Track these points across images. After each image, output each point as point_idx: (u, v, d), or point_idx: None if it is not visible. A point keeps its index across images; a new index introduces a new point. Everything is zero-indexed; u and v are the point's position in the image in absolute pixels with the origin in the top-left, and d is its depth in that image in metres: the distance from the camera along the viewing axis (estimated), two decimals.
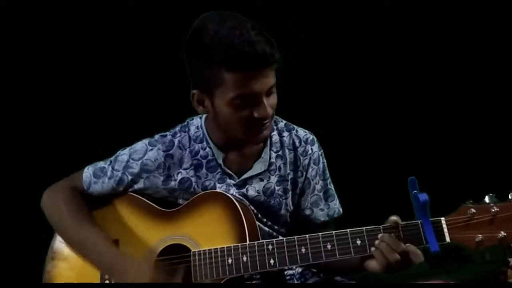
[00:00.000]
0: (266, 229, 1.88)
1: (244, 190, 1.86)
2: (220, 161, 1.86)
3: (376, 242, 1.61)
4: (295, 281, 1.93)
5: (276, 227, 1.91)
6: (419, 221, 1.58)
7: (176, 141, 1.89)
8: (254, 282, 1.83)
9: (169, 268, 1.77)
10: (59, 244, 1.90)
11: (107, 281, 1.80)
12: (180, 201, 1.88)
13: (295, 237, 1.68)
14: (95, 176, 1.89)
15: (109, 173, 1.88)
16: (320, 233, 1.67)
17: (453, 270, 2.07)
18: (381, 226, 1.63)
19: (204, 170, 1.87)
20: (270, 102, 1.72)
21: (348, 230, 1.65)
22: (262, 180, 1.88)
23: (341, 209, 1.96)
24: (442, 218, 1.58)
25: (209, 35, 1.66)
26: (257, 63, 1.64)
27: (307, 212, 1.94)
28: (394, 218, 1.60)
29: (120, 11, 3.03)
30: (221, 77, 1.66)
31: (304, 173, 1.92)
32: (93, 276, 1.81)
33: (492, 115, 3.21)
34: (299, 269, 1.96)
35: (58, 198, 1.87)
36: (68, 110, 3.09)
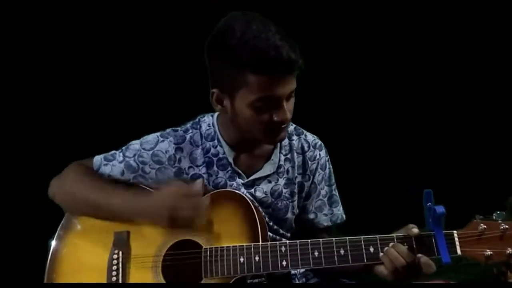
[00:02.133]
0: (271, 234, 1.89)
1: (252, 191, 1.88)
2: (231, 160, 1.87)
3: (385, 249, 1.64)
4: (297, 281, 1.96)
5: (281, 231, 1.93)
6: (432, 233, 1.63)
7: (187, 136, 1.89)
8: (257, 280, 1.84)
9: (178, 263, 1.75)
10: (64, 231, 1.86)
11: (114, 261, 1.78)
12: None
13: (309, 240, 1.70)
14: (105, 160, 1.89)
15: (120, 158, 1.87)
16: (333, 238, 1.69)
17: (453, 270, 2.12)
18: (394, 235, 1.67)
19: (215, 168, 1.87)
20: (289, 106, 1.74)
21: (361, 237, 1.68)
22: (270, 182, 1.90)
23: (344, 216, 2.00)
24: (455, 232, 1.63)
25: (235, 37, 1.66)
26: (282, 68, 1.66)
27: (311, 216, 1.97)
28: (415, 230, 1.64)
29: (132, 7, 3.00)
30: (245, 79, 1.67)
31: (311, 177, 1.95)
32: (101, 257, 1.79)
33: (503, 127, 3.26)
34: (301, 269, 1.98)
35: (69, 173, 1.86)
36: (71, 109, 3.04)
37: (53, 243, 1.85)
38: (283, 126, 1.75)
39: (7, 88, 3.00)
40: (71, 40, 3.03)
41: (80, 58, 3.04)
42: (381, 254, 1.64)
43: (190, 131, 1.90)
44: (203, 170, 1.87)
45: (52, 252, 1.84)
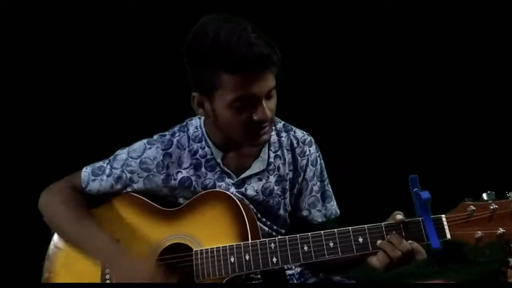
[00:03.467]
0: (266, 228, 1.89)
1: (243, 190, 1.87)
2: (219, 160, 1.87)
3: (379, 242, 1.62)
4: (295, 281, 1.94)
5: (275, 227, 1.92)
6: (420, 219, 1.61)
7: (175, 140, 1.90)
8: (254, 282, 1.83)
9: (170, 267, 1.76)
10: (57, 244, 1.89)
11: (108, 280, 1.79)
12: (181, 200, 1.89)
13: (297, 235, 1.70)
14: (93, 174, 1.89)
15: (107, 171, 1.88)
16: (322, 231, 1.68)
17: (453, 270, 2.09)
18: (382, 224, 1.65)
19: (203, 169, 1.88)
20: (270, 105, 1.73)
21: (350, 228, 1.66)
22: (260, 179, 1.89)
23: (338, 211, 1.98)
24: (443, 216, 1.61)
25: (208, 38, 1.67)
26: (255, 65, 1.65)
27: (305, 213, 1.96)
28: (399, 216, 1.62)
29: (118, 13, 3.03)
30: (220, 79, 1.67)
31: (302, 173, 1.94)
32: (94, 275, 1.80)
33: (491, 114, 3.25)
34: (299, 269, 1.97)
35: (56, 198, 1.86)
36: (67, 111, 3.08)
37: (49, 251, 1.89)
38: (264, 125, 1.74)
39: (6, 89, 3.05)
40: (66, 42, 3.07)
41: (73, 61, 3.09)
42: (378, 242, 1.62)
43: (177, 134, 1.91)
44: (191, 172, 1.87)
45: (47, 260, 1.88)
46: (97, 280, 1.80)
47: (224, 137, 1.85)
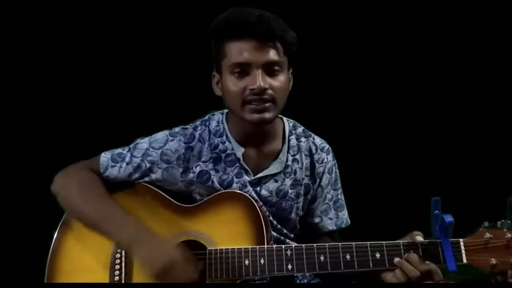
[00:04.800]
0: (275, 234, 1.88)
1: (258, 189, 1.87)
2: (239, 156, 1.86)
3: (397, 260, 1.64)
4: (299, 281, 1.95)
5: (285, 230, 1.92)
6: (439, 241, 1.63)
7: (197, 134, 1.88)
8: (258, 281, 1.83)
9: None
10: (65, 226, 1.84)
11: (117, 265, 1.77)
12: (195, 195, 1.86)
13: (315, 244, 1.70)
14: (112, 161, 1.85)
15: (127, 159, 1.85)
16: (339, 243, 1.69)
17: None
18: (400, 242, 1.67)
19: (222, 164, 1.86)
20: (271, 82, 1.74)
21: (368, 242, 1.68)
22: (276, 181, 1.89)
23: (349, 220, 2.00)
24: (461, 240, 1.64)
25: (224, 15, 1.76)
26: (256, 34, 1.71)
27: (316, 219, 1.97)
28: (419, 238, 1.64)
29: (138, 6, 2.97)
30: (224, 49, 1.75)
31: (318, 180, 1.95)
32: (104, 254, 1.78)
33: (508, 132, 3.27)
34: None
35: (74, 177, 1.81)
36: (74, 108, 3.03)
37: (54, 239, 1.83)
38: (260, 97, 1.73)
39: (12, 85, 2.99)
40: (75, 39, 3.01)
41: (88, 54, 3.03)
42: (395, 260, 1.63)
43: (199, 128, 1.90)
44: (210, 166, 1.86)
45: (52, 249, 1.82)
46: (108, 259, 1.77)
47: (245, 133, 1.85)
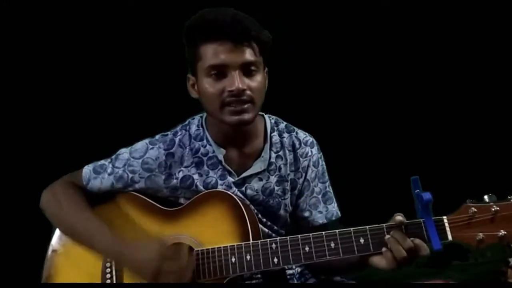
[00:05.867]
0: (266, 230, 1.88)
1: (243, 189, 1.87)
2: (221, 158, 1.87)
3: (386, 237, 1.61)
4: (295, 281, 1.94)
5: (275, 227, 1.92)
6: (421, 220, 1.61)
7: (177, 139, 1.90)
8: (254, 281, 1.83)
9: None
10: (58, 239, 1.89)
11: (108, 274, 1.80)
12: (182, 200, 1.89)
13: (299, 235, 1.69)
14: (95, 172, 1.89)
15: (109, 170, 1.88)
16: (323, 232, 1.68)
17: (453, 270, 2.09)
18: (384, 225, 1.64)
19: (205, 168, 1.88)
20: (249, 82, 1.75)
21: (351, 229, 1.66)
22: (261, 179, 1.89)
23: (339, 212, 1.98)
24: (444, 217, 1.60)
25: (196, 17, 1.77)
26: (230, 35, 1.71)
27: (306, 214, 1.95)
28: (399, 217, 1.62)
29: (120, 11, 3.03)
30: (199, 51, 1.75)
31: (304, 174, 1.94)
32: (95, 266, 1.81)
33: (493, 114, 3.23)
34: (299, 269, 1.97)
35: (58, 194, 1.85)
36: (68, 111, 3.08)
37: (47, 254, 1.88)
38: (238, 99, 1.73)
39: (6, 88, 3.06)
40: (66, 41, 3.08)
41: (73, 61, 3.10)
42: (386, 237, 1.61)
43: (179, 133, 1.92)
44: (193, 170, 1.87)
45: (47, 260, 1.88)
46: (98, 273, 1.80)
47: (225, 134, 1.85)
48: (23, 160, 3.04)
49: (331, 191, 1.99)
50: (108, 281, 1.80)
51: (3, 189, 2.99)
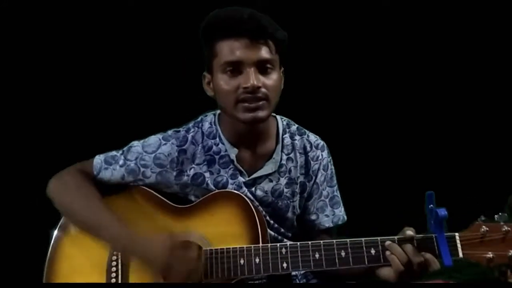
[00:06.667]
0: (272, 233, 1.88)
1: (253, 189, 1.86)
2: (233, 157, 1.85)
3: (388, 253, 1.62)
4: (298, 281, 1.95)
5: (282, 230, 1.92)
6: (433, 235, 1.62)
7: (189, 136, 1.88)
8: (257, 282, 1.83)
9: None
10: (63, 229, 1.85)
11: (114, 267, 1.78)
12: (191, 197, 1.87)
13: (309, 242, 1.69)
14: (106, 163, 1.86)
15: (121, 162, 1.85)
16: (334, 240, 1.68)
17: (453, 270, 2.10)
18: (396, 237, 1.65)
19: (216, 166, 1.86)
20: (263, 79, 1.74)
21: (363, 239, 1.66)
22: (271, 181, 1.88)
23: (345, 217, 1.98)
24: (456, 234, 1.62)
25: (211, 16, 1.76)
26: (247, 32, 1.70)
27: (313, 217, 1.95)
28: (410, 232, 1.62)
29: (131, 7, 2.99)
30: (215, 49, 1.74)
31: (314, 177, 1.94)
32: (101, 256, 1.78)
33: (506, 128, 3.24)
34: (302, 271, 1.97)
35: (68, 182, 1.81)
36: (73, 108, 3.04)
37: (52, 241, 1.84)
38: (253, 96, 1.72)
39: (9, 86, 3.00)
40: (74, 40, 3.03)
41: (84, 55, 3.05)
42: (387, 252, 1.62)
43: (192, 130, 1.90)
44: (204, 168, 1.86)
45: (51, 252, 1.83)
46: (104, 264, 1.78)
47: (238, 134, 1.84)
48: (29, 155, 2.98)
49: (339, 195, 1.99)
50: (113, 274, 1.78)
51: (9, 180, 2.92)
